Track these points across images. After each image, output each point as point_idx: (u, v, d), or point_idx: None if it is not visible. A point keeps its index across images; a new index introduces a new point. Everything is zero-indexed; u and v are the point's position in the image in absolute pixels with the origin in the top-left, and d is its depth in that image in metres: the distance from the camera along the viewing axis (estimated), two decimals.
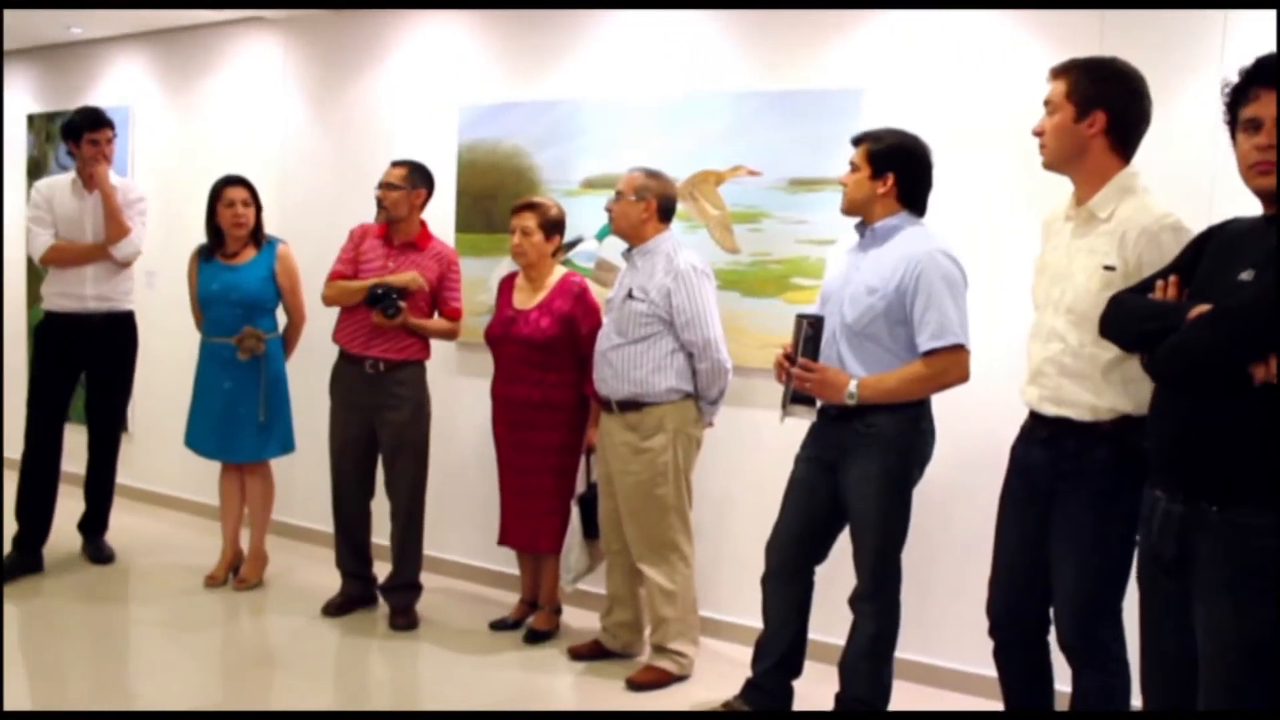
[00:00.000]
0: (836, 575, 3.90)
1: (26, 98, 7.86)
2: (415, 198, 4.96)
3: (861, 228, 3.75)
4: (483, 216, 5.52)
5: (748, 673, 4.08)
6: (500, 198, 5.38)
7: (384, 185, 4.93)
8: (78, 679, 4.49)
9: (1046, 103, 3.15)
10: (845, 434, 3.67)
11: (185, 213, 6.40)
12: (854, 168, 3.71)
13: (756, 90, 4.77)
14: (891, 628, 3.78)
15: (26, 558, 5.55)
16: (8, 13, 6.63)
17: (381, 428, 4.96)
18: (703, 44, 4.93)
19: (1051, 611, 3.24)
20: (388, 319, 4.77)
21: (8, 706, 4.09)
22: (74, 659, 4.67)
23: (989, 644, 3.41)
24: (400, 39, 5.88)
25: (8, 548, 5.53)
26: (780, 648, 3.96)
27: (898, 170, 3.64)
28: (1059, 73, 3.14)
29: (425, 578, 5.16)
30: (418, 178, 4.97)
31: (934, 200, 3.76)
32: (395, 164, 5.00)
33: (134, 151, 7.02)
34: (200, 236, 5.46)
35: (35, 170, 7.60)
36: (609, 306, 4.47)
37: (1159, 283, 2.72)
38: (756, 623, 4.11)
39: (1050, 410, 3.12)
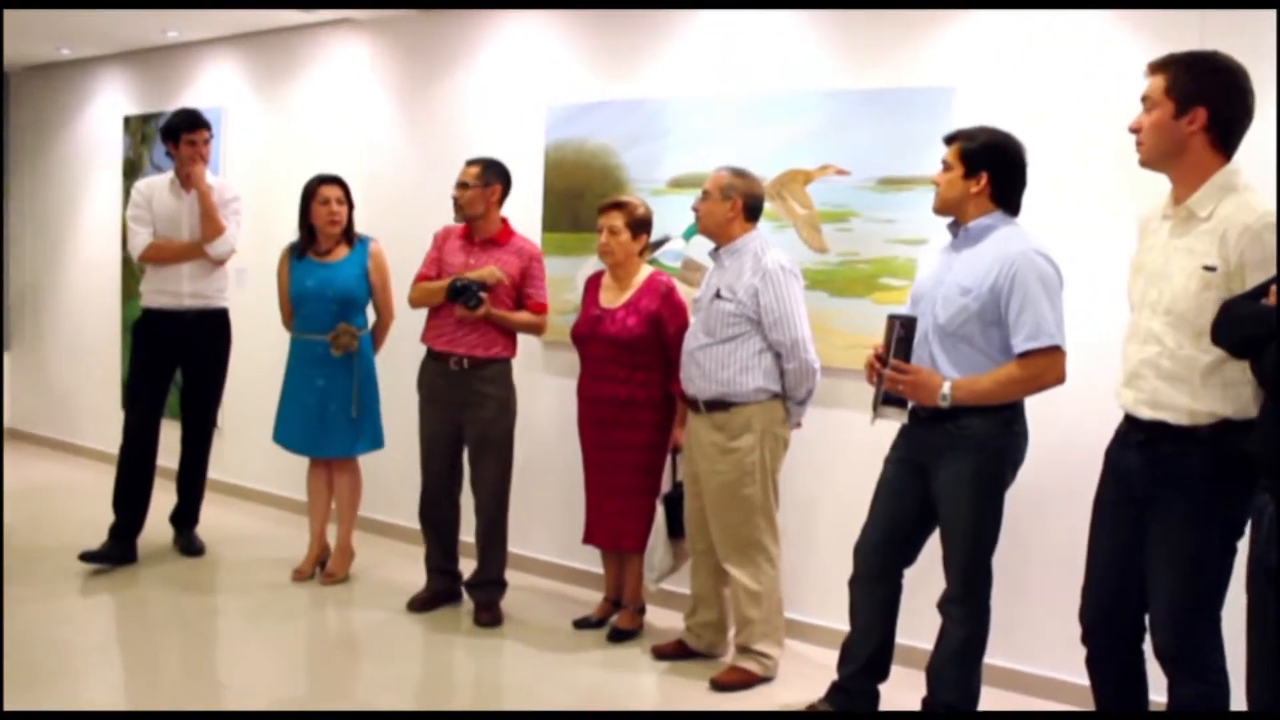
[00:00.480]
0: (925, 578, 3.86)
1: (123, 100, 8.04)
2: (491, 194, 4.98)
3: (954, 227, 3.70)
4: (569, 216, 5.54)
5: (832, 676, 4.05)
6: (587, 197, 5.39)
7: (459, 185, 4.97)
8: (168, 667, 4.59)
9: (1144, 98, 3.08)
10: (937, 436, 3.63)
11: (275, 212, 6.51)
12: (946, 167, 3.66)
13: (845, 89, 4.73)
14: (981, 632, 3.72)
15: (122, 548, 5.67)
16: (106, 17, 6.78)
17: (467, 424, 4.99)
18: (791, 42, 4.90)
19: (1147, 619, 3.17)
20: (470, 310, 4.80)
21: (69, 695, 4.19)
22: (165, 647, 4.78)
23: (1081, 651, 3.35)
24: (487, 39, 5.92)
25: (105, 538, 5.66)
26: (867, 651, 3.93)
27: (991, 169, 3.59)
28: (1158, 67, 3.07)
29: (509, 575, 5.18)
30: (491, 174, 5.00)
31: (1027, 199, 3.70)
32: (469, 163, 5.04)
33: (226, 151, 7.14)
34: (288, 235, 5.54)
35: (131, 171, 7.76)
36: (696, 306, 4.46)
37: (1272, 288, 2.65)
38: (842, 625, 4.08)
39: (1147, 414, 3.06)
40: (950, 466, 3.62)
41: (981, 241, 3.60)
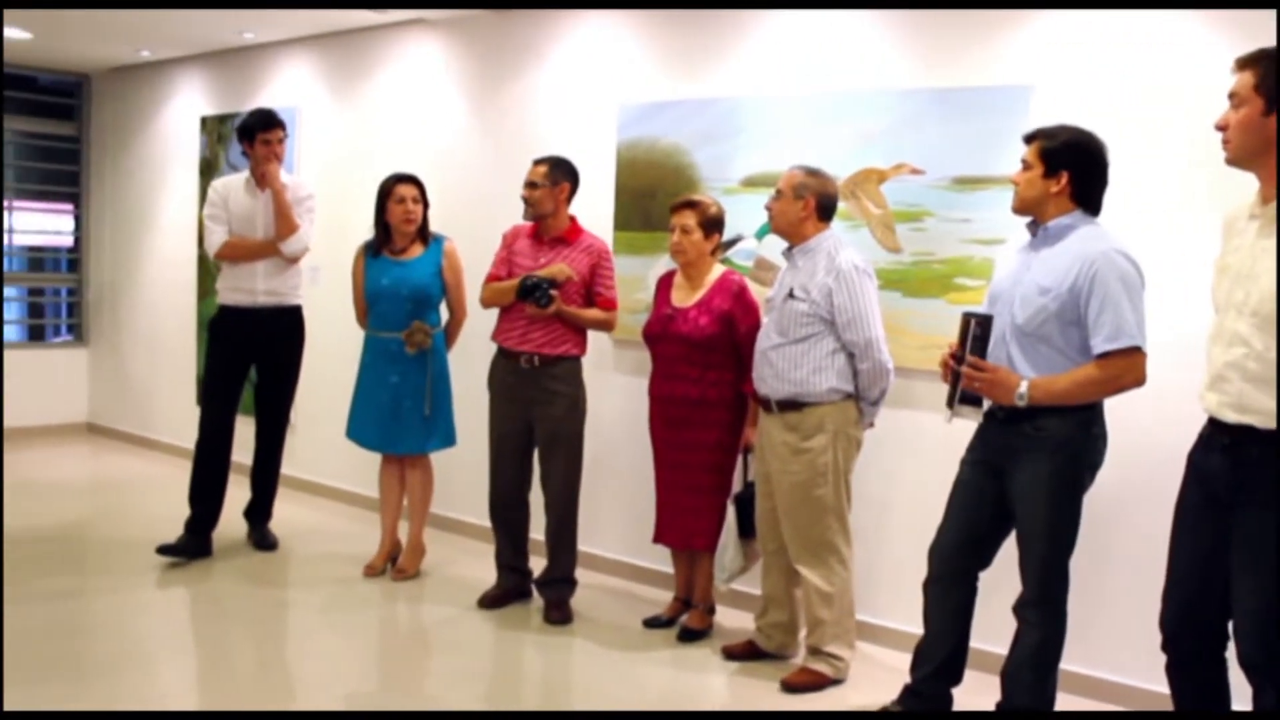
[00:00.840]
0: (1001, 581, 3.81)
1: (200, 101, 8.16)
2: (559, 193, 5.00)
3: (1033, 226, 3.65)
4: (641, 215, 5.54)
5: (904, 679, 4.02)
6: (659, 196, 5.39)
7: (527, 184, 4.99)
8: (241, 658, 4.65)
9: (1231, 95, 3.01)
10: (1014, 437, 3.59)
11: (348, 210, 6.57)
12: (1026, 166, 3.61)
13: (920, 87, 4.69)
14: (1057, 637, 3.66)
15: (197, 542, 5.75)
16: (184, 19, 6.89)
17: (538, 422, 5.01)
18: (865, 41, 4.87)
19: (1230, 626, 3.11)
20: (541, 309, 4.82)
21: (121, 684, 4.26)
22: (238, 639, 4.85)
23: (1160, 658, 3.29)
24: (560, 38, 5.94)
25: (181, 532, 5.75)
26: (941, 654, 3.89)
27: (1072, 168, 3.53)
28: (1246, 63, 3.00)
29: (579, 573, 5.19)
30: (560, 173, 5.01)
31: (1108, 199, 3.64)
32: (537, 162, 5.06)
33: (300, 151, 7.22)
34: (363, 234, 5.59)
35: (207, 171, 7.88)
36: (769, 306, 4.44)
37: None
38: (914, 628, 4.05)
39: (1231, 417, 3.00)
40: (1027, 468, 3.57)
41: (1061, 241, 3.55)
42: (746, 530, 4.64)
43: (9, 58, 8.53)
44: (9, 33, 7.49)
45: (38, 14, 6.88)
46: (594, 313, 4.99)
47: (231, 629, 4.96)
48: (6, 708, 3.85)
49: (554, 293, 4.82)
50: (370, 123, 6.96)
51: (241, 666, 4.56)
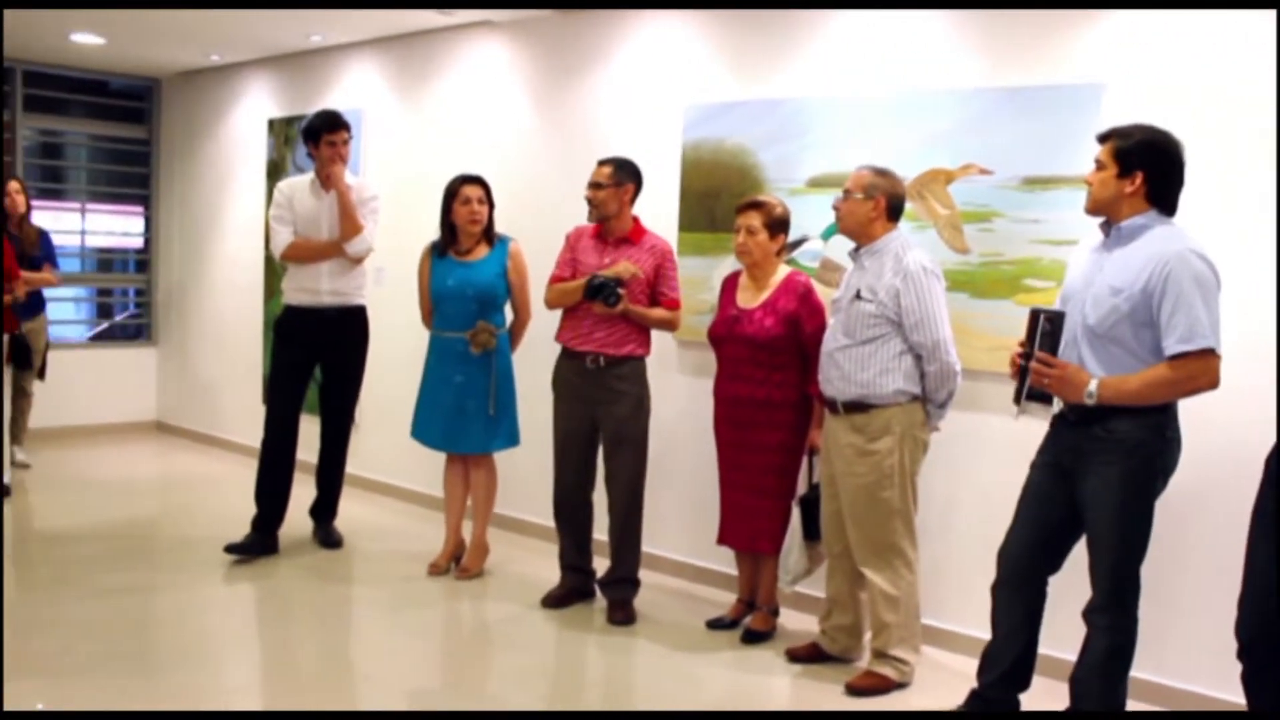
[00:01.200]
0: (1071, 586, 3.76)
1: (267, 103, 8.26)
2: (624, 193, 5.00)
3: (1106, 227, 3.60)
4: (706, 215, 5.53)
5: (970, 683, 3.99)
6: (724, 196, 5.38)
7: (592, 184, 4.99)
8: (304, 653, 4.71)
9: None
10: (1084, 439, 3.54)
11: (412, 212, 6.62)
12: (1100, 165, 3.55)
13: (988, 86, 4.64)
14: (1128, 644, 3.61)
15: (264, 540, 5.82)
16: (253, 23, 6.98)
17: (602, 422, 5.02)
18: (932, 40, 4.83)
19: None
20: (609, 307, 4.82)
21: (221, 672, 4.30)
22: (302, 635, 4.91)
23: (1236, 667, 3.24)
24: (625, 39, 5.95)
25: (247, 529, 5.81)
26: (1008, 658, 3.85)
27: (1147, 168, 3.48)
28: None
29: (642, 574, 5.19)
30: (624, 174, 5.01)
31: (1183, 199, 3.58)
32: (602, 162, 5.06)
33: (365, 152, 7.29)
34: (427, 235, 5.63)
35: (274, 173, 7.97)
36: (835, 307, 4.42)
37: None
38: (979, 633, 4.02)
39: None
40: (1098, 471, 3.53)
41: (1134, 241, 3.50)
42: (811, 533, 4.62)
43: (82, 62, 8.70)
44: (84, 38, 7.64)
45: (111, 19, 7.00)
46: (659, 312, 4.99)
47: (296, 625, 5.01)
48: (13, 706, 3.91)
49: (621, 291, 4.83)
50: (435, 124, 7.01)
51: (305, 663, 4.61)
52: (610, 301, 4.81)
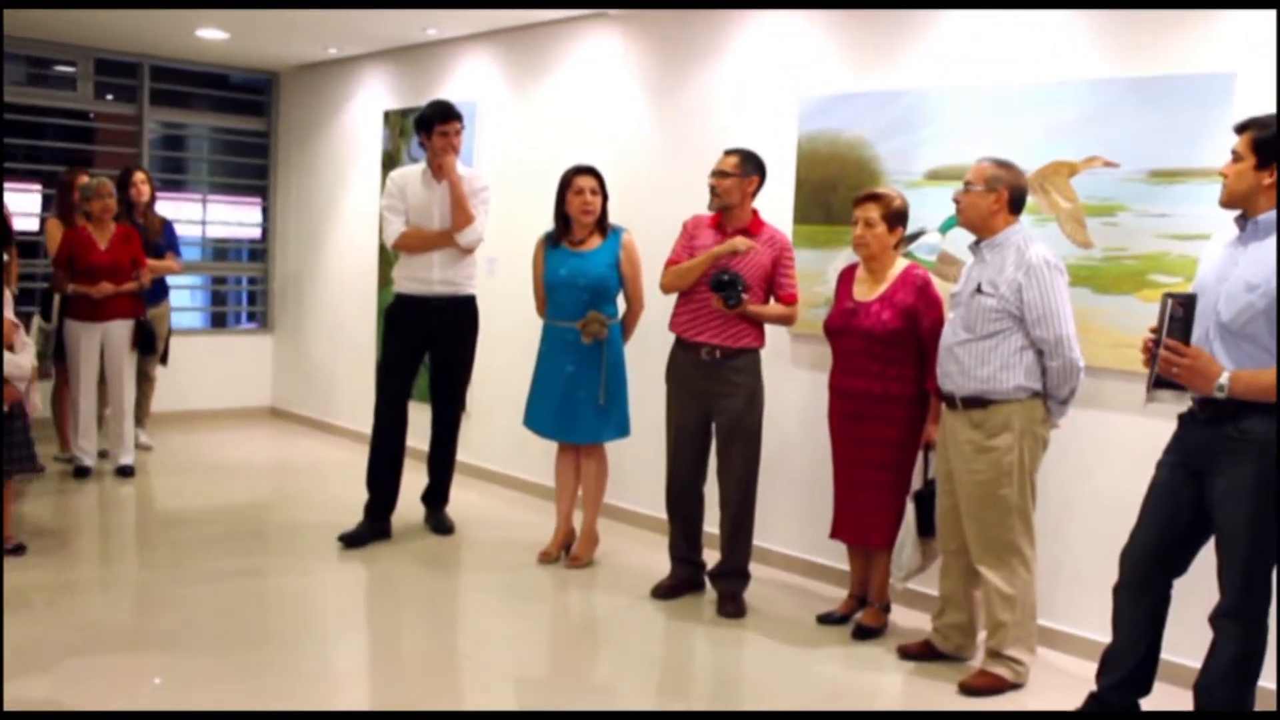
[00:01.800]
0: (1197, 589, 3.66)
1: (383, 95, 8.38)
2: (748, 185, 4.98)
3: (1241, 220, 3.49)
4: (821, 208, 5.49)
5: (1086, 686, 3.92)
6: (840, 189, 5.34)
7: (717, 173, 4.98)
8: (413, 639, 4.78)
9: None
10: (1215, 439, 3.44)
11: (525, 203, 6.67)
12: (1236, 157, 3.45)
13: (1113, 77, 4.54)
14: (1258, 650, 3.50)
15: (376, 526, 5.91)
16: (372, 17, 7.09)
17: (716, 415, 5.01)
18: (1055, 30, 4.74)
19: None
20: (728, 308, 4.81)
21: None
22: (411, 618, 4.99)
23: None
24: (740, 31, 5.92)
25: (359, 515, 5.91)
26: (1129, 662, 3.76)
27: None
28: None
29: (752, 568, 5.17)
30: (750, 165, 5.00)
31: None
32: (728, 152, 5.04)
33: (478, 143, 7.35)
34: (539, 225, 5.67)
35: (389, 164, 8.08)
36: (954, 301, 4.36)
37: None
38: (1098, 635, 3.94)
39: None
40: (1228, 472, 3.42)
41: (1271, 235, 3.39)
42: (926, 529, 4.56)
43: (205, 57, 8.91)
44: (209, 34, 7.82)
45: (236, 15, 7.16)
46: (776, 309, 4.98)
47: (406, 610, 5.09)
48: (134, 681, 4.01)
49: (745, 296, 4.80)
50: (548, 116, 7.05)
51: (413, 647, 4.68)
52: (731, 303, 4.79)
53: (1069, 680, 4.32)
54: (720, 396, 4.97)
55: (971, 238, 4.35)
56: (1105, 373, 4.47)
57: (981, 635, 4.44)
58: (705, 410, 5.03)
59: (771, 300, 4.99)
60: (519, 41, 7.22)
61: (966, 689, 4.28)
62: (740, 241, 4.89)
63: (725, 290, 4.80)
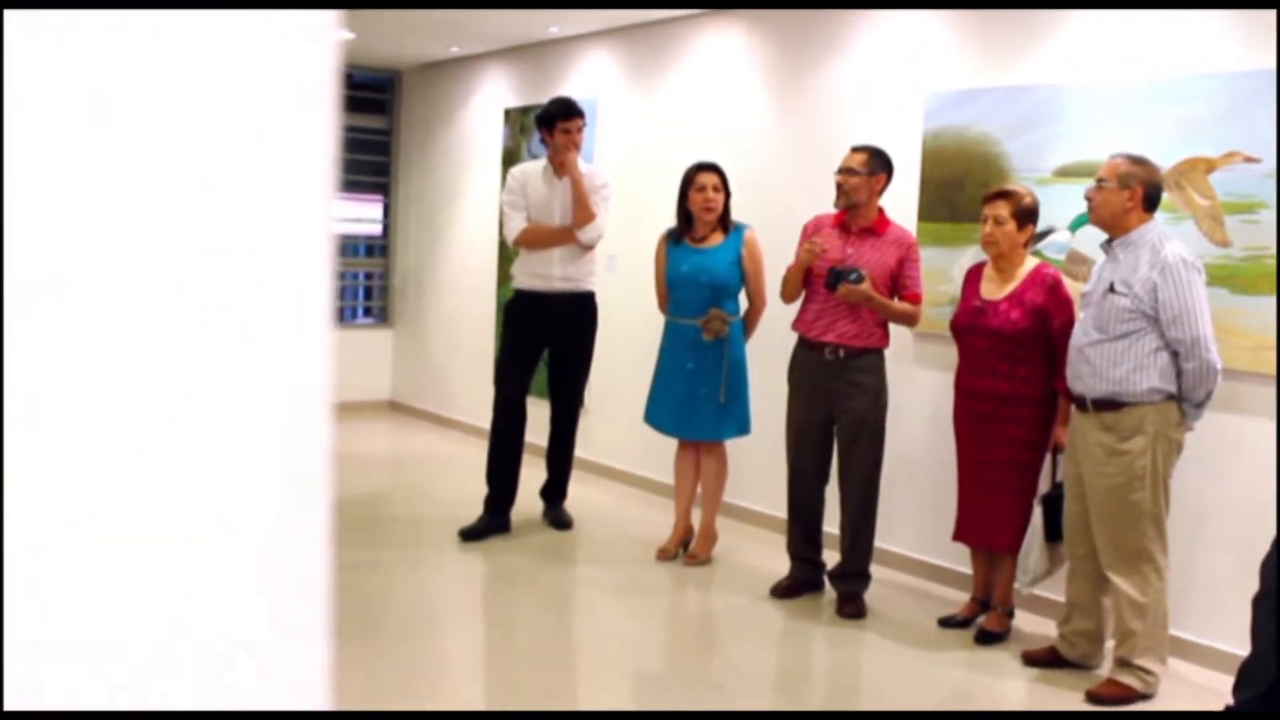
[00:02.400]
0: None
1: (504, 93, 8.47)
2: (875, 183, 4.93)
3: None
4: (947, 206, 5.41)
5: (1219, 699, 3.81)
6: (966, 186, 5.25)
7: (844, 170, 4.93)
8: (529, 632, 4.83)
9: None
10: None
11: (646, 200, 6.68)
12: None
13: (1254, 69, 4.39)
14: None
15: (496, 520, 5.96)
16: (494, 17, 7.16)
17: (840, 414, 4.97)
18: (1191, 21, 4.59)
19: None
20: (852, 285, 4.73)
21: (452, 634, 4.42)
22: (528, 613, 5.03)
23: None
24: (865, 26, 5.86)
25: (478, 508, 5.98)
26: (1268, 677, 3.63)
27: None
28: None
29: (872, 569, 5.12)
30: (878, 163, 4.94)
31: None
32: (855, 149, 5.00)
33: (599, 140, 7.38)
34: (659, 223, 5.67)
35: (509, 161, 8.14)
36: (1085, 300, 4.27)
37: None
38: (1233, 647, 3.82)
39: None
40: None
41: None
42: (1053, 533, 4.47)
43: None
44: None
45: (362, 14, 7.28)
46: (900, 305, 4.92)
47: (523, 604, 5.14)
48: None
49: (863, 278, 4.77)
50: (669, 113, 7.05)
51: (529, 641, 4.72)
52: (853, 278, 4.73)
53: (1200, 693, 4.20)
54: (843, 397, 4.93)
55: (1101, 236, 4.25)
56: (1245, 376, 4.33)
57: (1110, 643, 4.34)
58: (828, 410, 4.99)
59: (895, 299, 4.94)
60: (640, 38, 7.24)
61: (1094, 697, 4.18)
62: (815, 245, 4.87)
63: (844, 278, 4.75)
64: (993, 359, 4.57)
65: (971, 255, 5.02)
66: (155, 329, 0.71)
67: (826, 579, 5.20)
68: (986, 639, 4.72)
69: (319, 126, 0.77)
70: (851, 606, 4.99)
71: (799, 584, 5.20)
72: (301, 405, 0.81)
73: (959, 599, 5.09)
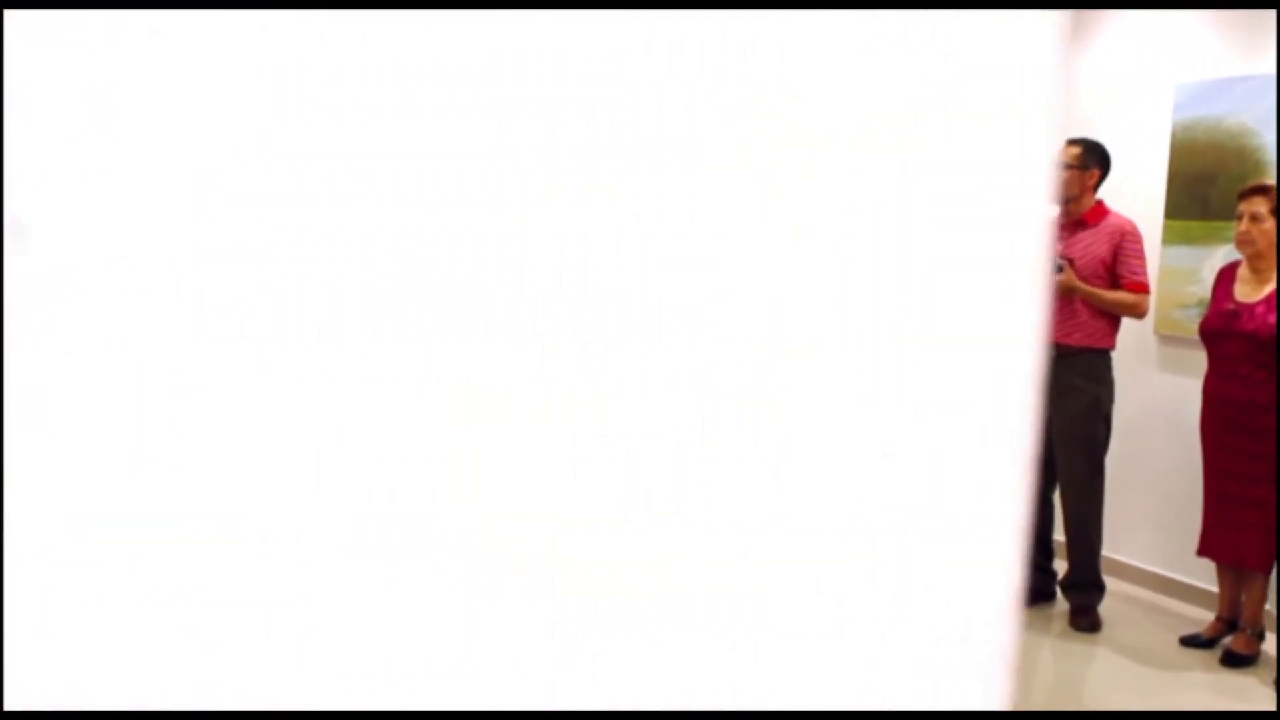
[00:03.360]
0: None
1: None
2: (1088, 178, 4.72)
3: None
4: (1198, 202, 5.13)
5: None
6: (1220, 181, 4.97)
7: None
8: None
9: None
10: None
11: None
12: None
13: None
14: None
15: None
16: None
17: (1051, 418, 4.77)
18: None
19: None
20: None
21: None
22: None
23: None
24: (1110, 15, 5.61)
25: None
26: None
27: None
28: None
29: (1105, 580, 4.91)
30: (1092, 158, 4.73)
31: None
32: (1070, 142, 4.79)
33: None
34: None
35: None
36: None
37: None
38: None
39: None
40: None
41: None
42: None
43: None
44: None
45: None
46: (1117, 295, 4.64)
47: None
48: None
49: (1064, 263, 4.58)
50: None
51: None
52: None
53: None
54: (1056, 399, 4.68)
55: None
56: None
57: None
58: (1044, 411, 4.77)
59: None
60: None
61: None
62: None
63: None
64: (1247, 365, 4.30)
65: (1223, 255, 4.74)
66: None
67: (1059, 589, 5.01)
68: (1234, 661, 4.46)
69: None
70: (1085, 619, 4.79)
71: (1030, 592, 5.02)
72: None
73: (1198, 616, 4.83)
